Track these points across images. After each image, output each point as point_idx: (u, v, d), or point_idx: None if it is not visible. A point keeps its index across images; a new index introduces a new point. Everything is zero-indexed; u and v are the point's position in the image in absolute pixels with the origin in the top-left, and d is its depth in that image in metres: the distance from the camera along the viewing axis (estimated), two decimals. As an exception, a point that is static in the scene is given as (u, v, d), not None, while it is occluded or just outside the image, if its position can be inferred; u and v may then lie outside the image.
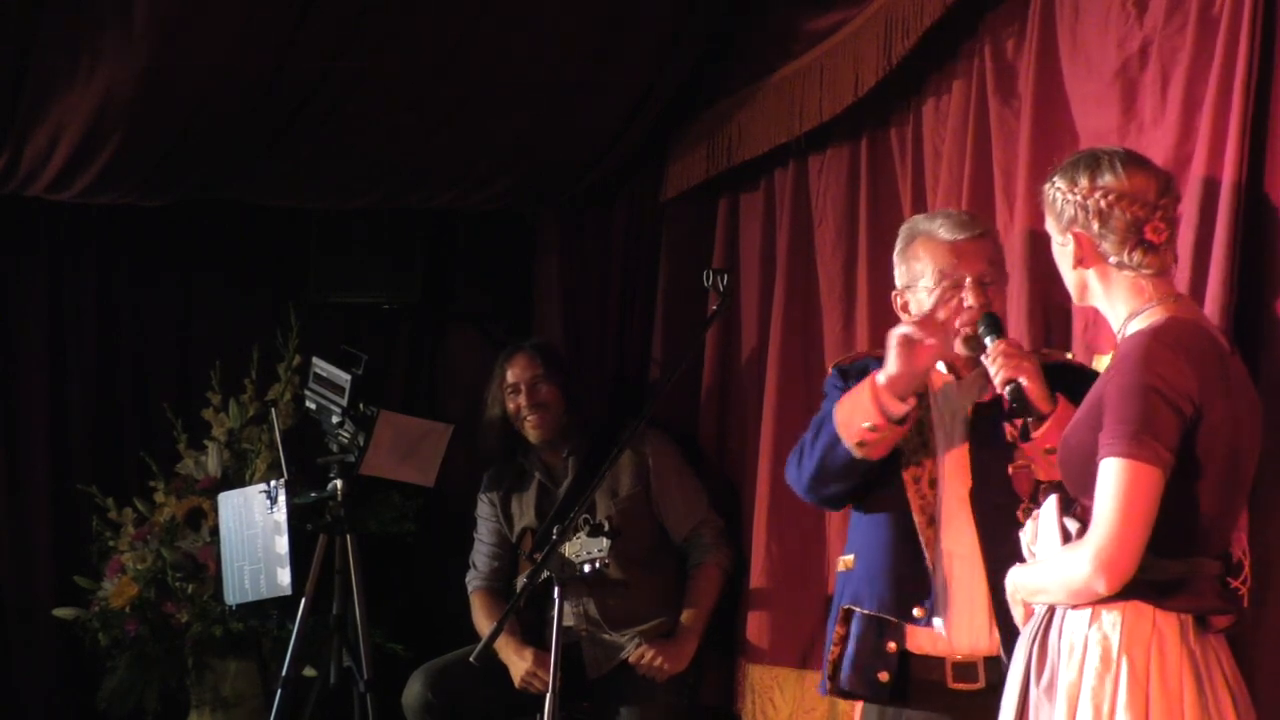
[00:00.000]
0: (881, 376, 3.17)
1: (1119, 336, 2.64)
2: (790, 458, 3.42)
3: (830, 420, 3.26)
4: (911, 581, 3.21)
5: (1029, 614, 2.71)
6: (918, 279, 3.25)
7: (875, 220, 4.20)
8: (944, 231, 3.23)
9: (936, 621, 3.18)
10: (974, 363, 3.25)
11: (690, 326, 4.98)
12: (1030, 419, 2.97)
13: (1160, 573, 2.52)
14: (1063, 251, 2.69)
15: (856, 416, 3.19)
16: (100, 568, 5.25)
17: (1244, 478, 2.59)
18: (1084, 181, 2.64)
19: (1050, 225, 2.70)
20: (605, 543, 3.67)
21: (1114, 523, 2.49)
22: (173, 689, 5.23)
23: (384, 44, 4.42)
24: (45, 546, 5.42)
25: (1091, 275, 2.67)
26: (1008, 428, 3.05)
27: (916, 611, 3.19)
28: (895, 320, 3.96)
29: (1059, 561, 2.58)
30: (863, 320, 4.18)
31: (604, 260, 5.44)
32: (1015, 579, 2.73)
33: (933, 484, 3.22)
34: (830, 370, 3.53)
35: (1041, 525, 2.67)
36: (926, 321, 3.19)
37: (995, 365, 3.00)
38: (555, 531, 3.69)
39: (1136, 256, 2.61)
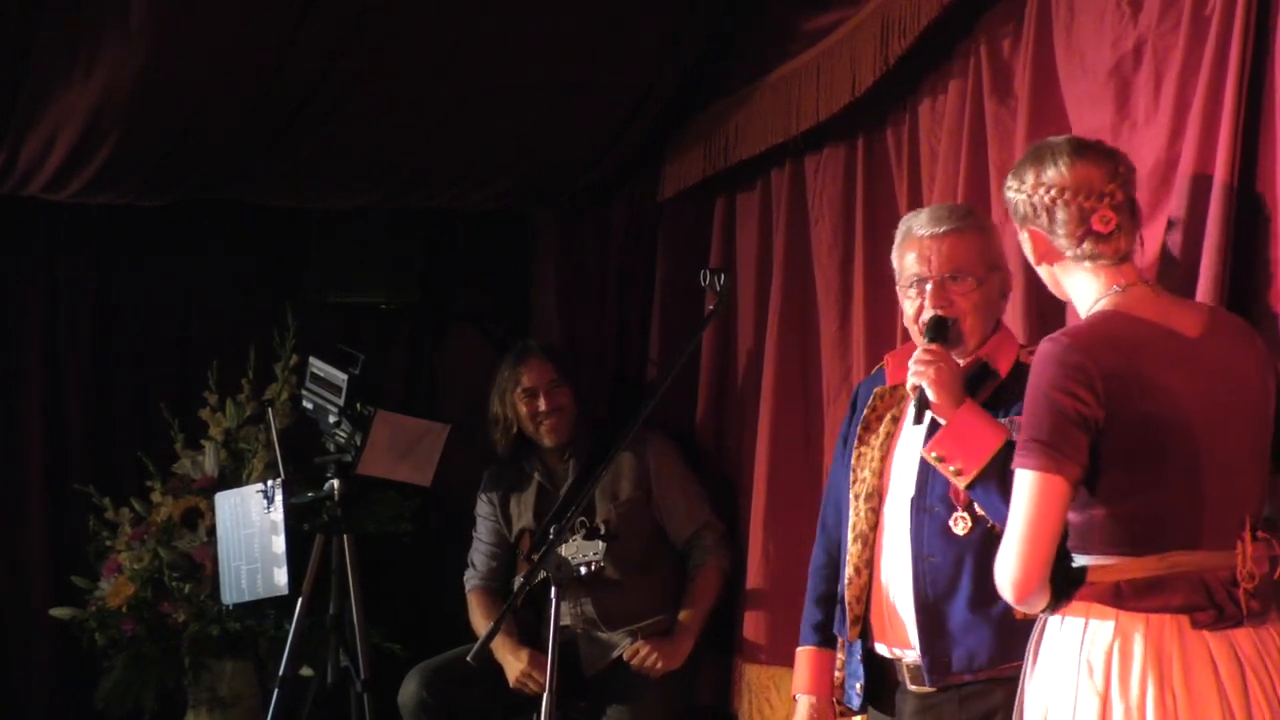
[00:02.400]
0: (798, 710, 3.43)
1: None
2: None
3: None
4: (844, 596, 3.25)
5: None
6: (900, 276, 3.25)
7: (872, 220, 4.20)
8: (917, 228, 3.21)
9: (865, 639, 3.22)
10: None
11: (688, 326, 4.98)
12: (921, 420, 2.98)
13: (1129, 572, 2.50)
14: (1026, 251, 2.71)
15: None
16: (97, 567, 5.25)
17: (1228, 463, 2.54)
18: (1030, 178, 2.65)
19: (1016, 226, 2.72)
20: (601, 546, 3.68)
21: (1012, 534, 2.51)
22: (170, 689, 5.23)
23: (383, 44, 4.42)
24: (42, 546, 5.42)
25: (1055, 270, 2.68)
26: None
27: (847, 629, 3.24)
28: (892, 319, 3.99)
29: None
30: (859, 320, 4.18)
31: (602, 260, 5.44)
32: None
33: (869, 498, 3.21)
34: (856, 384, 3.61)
35: None
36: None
37: (910, 369, 3.00)
38: (552, 532, 3.69)
39: (1087, 247, 2.62)
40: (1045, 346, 2.54)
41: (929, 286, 3.15)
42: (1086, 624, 2.51)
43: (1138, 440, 2.50)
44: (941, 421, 2.94)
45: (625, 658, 4.61)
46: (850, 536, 3.22)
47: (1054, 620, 2.56)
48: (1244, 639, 2.50)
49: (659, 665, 4.58)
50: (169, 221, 5.38)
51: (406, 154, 4.96)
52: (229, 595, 4.82)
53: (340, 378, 4.74)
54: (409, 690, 4.66)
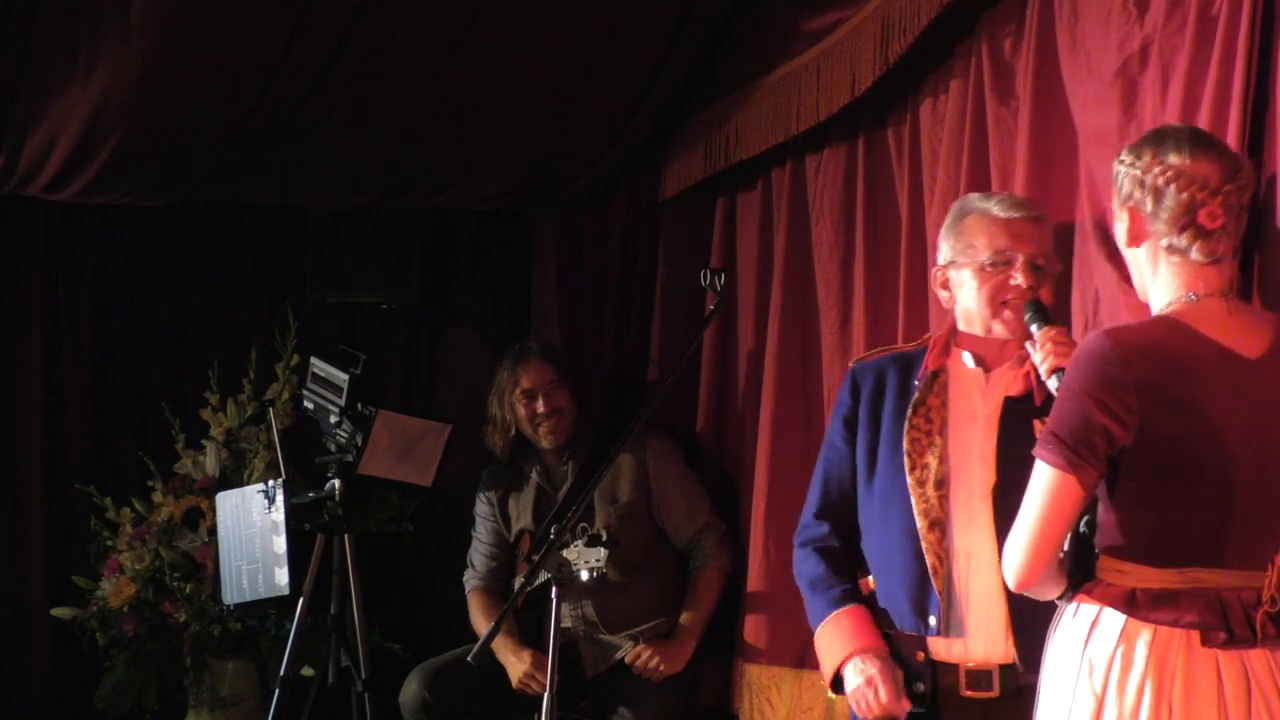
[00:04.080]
0: (848, 681, 3.27)
1: None
2: (795, 541, 3.51)
3: (811, 608, 3.41)
4: (919, 590, 3.17)
5: None
6: (967, 254, 3.20)
7: (872, 220, 4.20)
8: (999, 209, 3.19)
9: (949, 633, 3.14)
10: (1003, 356, 3.22)
11: (688, 326, 4.98)
12: None
13: (1147, 581, 2.49)
14: (1119, 230, 2.63)
15: (823, 654, 3.37)
16: (98, 567, 5.26)
17: (1270, 487, 2.49)
18: (1147, 156, 2.56)
19: (1114, 202, 2.65)
20: (604, 553, 3.67)
21: (1023, 523, 2.51)
22: (171, 688, 5.24)
23: (382, 43, 4.42)
24: (43, 546, 5.42)
25: (1140, 255, 2.60)
26: (1038, 424, 2.96)
27: (931, 621, 3.15)
28: (893, 319, 3.99)
29: None
30: (860, 319, 4.18)
31: (602, 260, 5.44)
32: None
33: (939, 485, 3.15)
34: (851, 364, 3.51)
35: None
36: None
37: (1043, 353, 2.92)
38: (553, 533, 3.69)
39: (1185, 239, 2.53)
40: (1092, 342, 2.50)
41: (1019, 263, 3.13)
42: (1096, 620, 2.50)
43: (1166, 456, 2.47)
44: None
45: (627, 661, 4.61)
46: (923, 524, 3.14)
47: (1069, 609, 2.56)
48: (1258, 660, 2.47)
49: (661, 668, 4.58)
50: (169, 221, 5.38)
51: (405, 154, 4.97)
52: (230, 595, 4.81)
53: (341, 378, 4.74)
54: (410, 690, 4.66)
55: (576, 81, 4.75)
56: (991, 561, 3.05)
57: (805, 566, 3.42)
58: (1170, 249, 2.56)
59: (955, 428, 3.19)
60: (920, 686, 3.17)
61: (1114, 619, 2.48)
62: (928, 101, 3.97)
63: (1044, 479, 2.50)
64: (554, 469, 4.87)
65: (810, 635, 4.34)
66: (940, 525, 3.14)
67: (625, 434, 3.83)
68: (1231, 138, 2.86)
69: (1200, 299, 2.54)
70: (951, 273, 3.26)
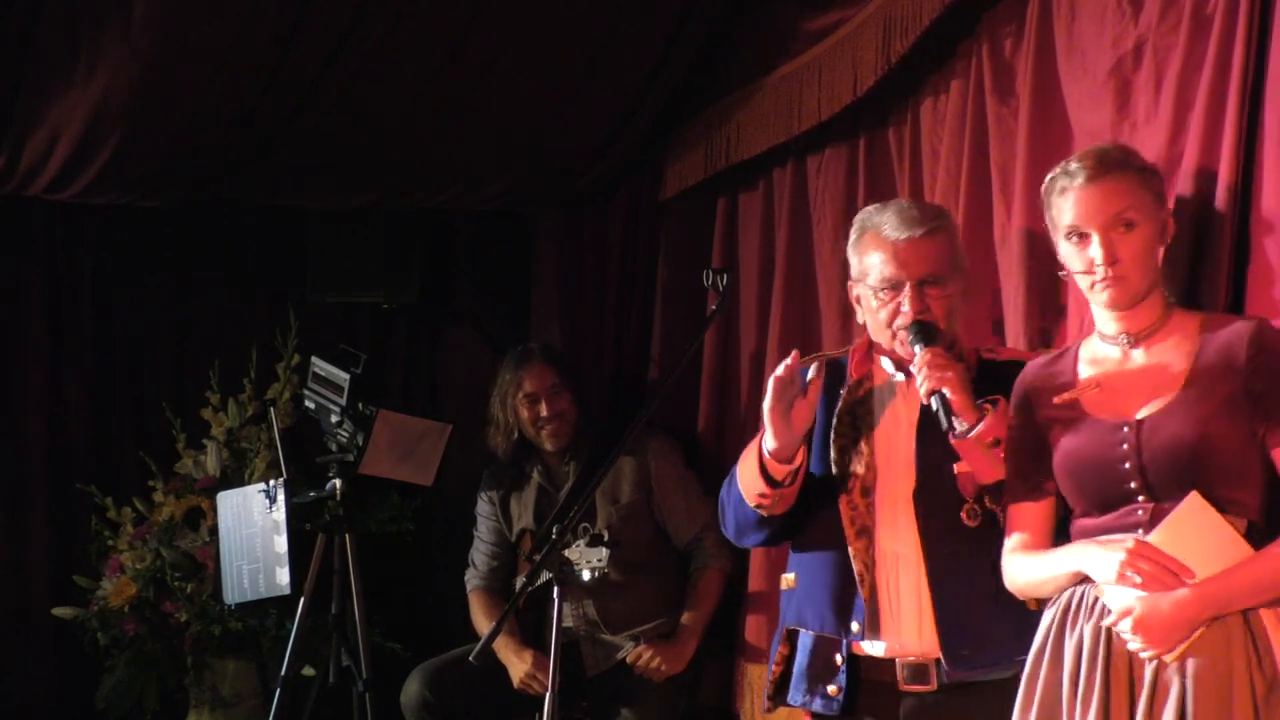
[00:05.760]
0: (765, 446, 3.18)
1: (1151, 331, 2.65)
2: (719, 505, 3.43)
3: (734, 479, 3.30)
4: (845, 596, 3.18)
5: (1183, 636, 2.57)
6: (865, 276, 3.21)
7: (873, 220, 4.20)
8: (889, 229, 3.17)
9: (874, 636, 3.14)
10: None
11: (689, 326, 4.98)
12: (954, 427, 2.94)
13: None
14: (1159, 233, 2.69)
15: (750, 483, 3.23)
16: (99, 567, 5.26)
17: None
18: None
19: (1153, 209, 2.68)
20: (605, 552, 3.67)
21: None
22: (171, 688, 5.24)
23: (382, 43, 4.42)
24: (44, 546, 5.43)
25: (1158, 255, 2.68)
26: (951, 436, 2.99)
27: (854, 626, 3.15)
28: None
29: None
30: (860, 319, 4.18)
31: (602, 260, 5.44)
32: (1208, 594, 2.54)
33: (865, 492, 3.16)
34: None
35: (1191, 529, 2.56)
36: (778, 387, 3.16)
37: (920, 375, 2.98)
38: (555, 533, 3.69)
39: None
40: (1269, 324, 2.59)
41: (906, 290, 3.12)
42: None
43: None
44: (959, 425, 2.92)
45: (629, 661, 4.61)
46: (850, 532, 3.15)
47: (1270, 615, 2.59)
48: None
49: (662, 668, 4.59)
50: (169, 221, 5.38)
51: (405, 154, 4.97)
52: (231, 595, 4.82)
53: (342, 377, 4.74)
54: (411, 690, 4.66)
55: (576, 81, 4.75)
56: (918, 561, 3.09)
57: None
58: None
59: (881, 433, 3.20)
60: (832, 689, 3.18)
61: None
62: (928, 101, 3.97)
63: None
64: (555, 469, 4.87)
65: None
66: (868, 532, 3.15)
67: (626, 434, 3.82)
68: (1226, 136, 2.86)
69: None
70: (856, 290, 3.27)
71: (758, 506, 3.24)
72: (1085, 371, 2.74)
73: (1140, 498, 2.61)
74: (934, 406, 2.95)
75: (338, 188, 5.22)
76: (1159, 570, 2.55)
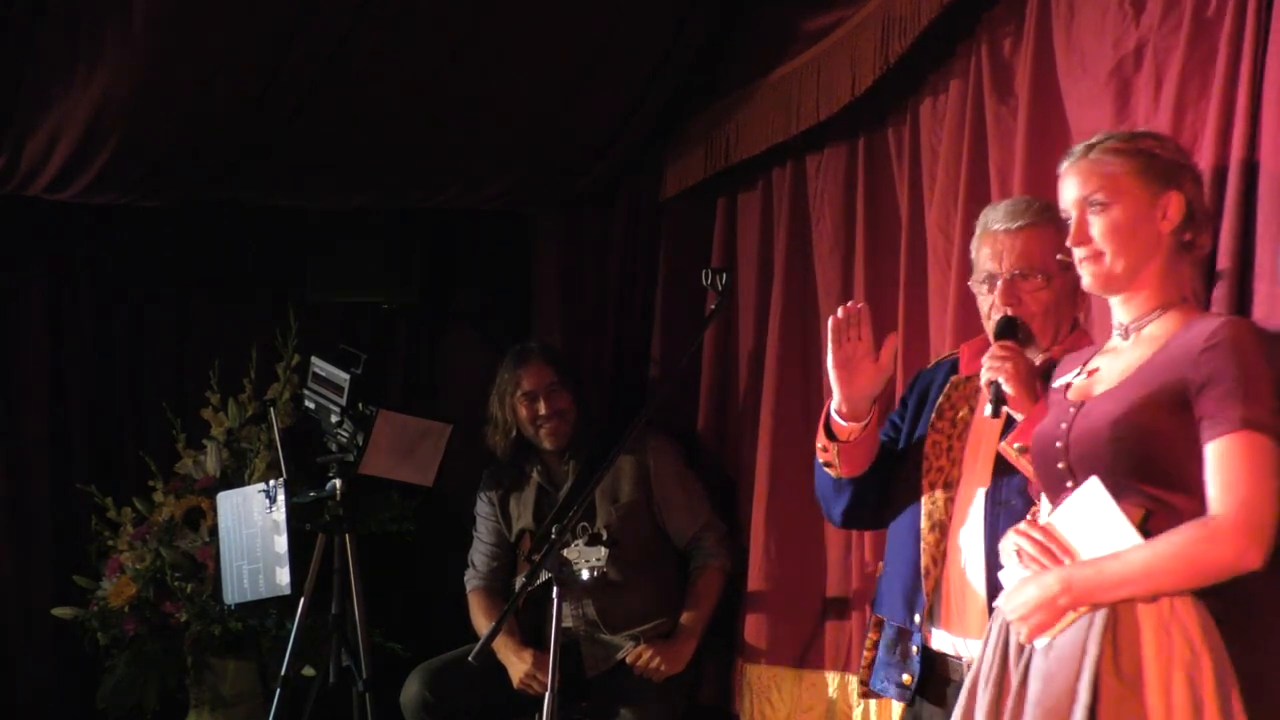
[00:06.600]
0: (833, 402, 3.27)
1: (1144, 321, 2.63)
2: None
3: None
4: (911, 587, 3.22)
5: (1049, 620, 2.55)
6: (975, 271, 3.25)
7: (872, 219, 4.21)
8: (992, 222, 3.20)
9: (937, 629, 3.17)
10: None
11: (689, 326, 4.99)
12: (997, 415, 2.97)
13: None
14: (1147, 213, 2.62)
15: (818, 438, 3.32)
16: (99, 567, 5.26)
17: None
18: (1175, 148, 2.64)
19: (1133, 187, 2.63)
20: (604, 551, 3.68)
21: (1260, 493, 2.42)
22: (172, 688, 5.23)
23: (382, 44, 4.43)
24: (44, 546, 5.42)
25: (1154, 240, 2.62)
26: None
27: (916, 618, 3.20)
28: (892, 318, 4.00)
29: (1177, 543, 2.43)
30: (859, 319, 4.18)
31: (603, 260, 5.44)
32: (1076, 578, 2.52)
33: (948, 486, 3.19)
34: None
35: (1087, 514, 2.54)
36: (835, 331, 3.26)
37: (984, 365, 2.99)
38: (554, 532, 3.69)
39: (1205, 239, 2.64)
40: (1242, 322, 2.55)
41: (999, 284, 3.14)
42: (1195, 611, 2.47)
43: None
44: (1018, 416, 2.92)
45: (628, 661, 4.61)
46: (925, 525, 3.19)
47: (1148, 609, 2.50)
48: None
49: (662, 668, 4.58)
50: (169, 221, 5.38)
51: (405, 154, 4.97)
52: (231, 595, 4.82)
53: (342, 377, 4.74)
54: (411, 690, 4.66)
55: (576, 81, 4.76)
56: (981, 561, 3.09)
57: None
58: (1189, 244, 2.62)
59: (973, 431, 3.22)
60: (905, 678, 3.23)
61: (1202, 609, 2.47)
62: (928, 101, 3.97)
63: (1263, 448, 2.43)
64: (555, 469, 4.87)
65: (810, 636, 4.38)
66: (941, 527, 3.18)
67: (626, 434, 3.83)
68: (1225, 140, 2.86)
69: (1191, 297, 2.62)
70: (971, 286, 3.30)
71: (824, 464, 3.33)
72: (1094, 359, 2.73)
73: (1068, 481, 2.60)
74: (988, 396, 2.94)
75: (338, 188, 5.22)
76: (1042, 551, 2.55)
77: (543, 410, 4.79)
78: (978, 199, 3.64)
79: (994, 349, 3.00)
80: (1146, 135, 2.71)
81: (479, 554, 4.93)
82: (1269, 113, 2.79)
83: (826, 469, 3.35)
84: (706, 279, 3.89)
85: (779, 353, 4.54)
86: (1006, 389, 2.93)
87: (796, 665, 4.41)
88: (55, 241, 5.48)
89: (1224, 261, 2.85)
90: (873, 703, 3.93)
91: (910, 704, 3.25)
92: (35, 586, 5.39)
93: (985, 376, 2.97)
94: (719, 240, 4.99)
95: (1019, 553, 2.60)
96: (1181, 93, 2.99)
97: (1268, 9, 2.84)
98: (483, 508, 4.94)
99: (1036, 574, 2.55)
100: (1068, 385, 2.72)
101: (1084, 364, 2.74)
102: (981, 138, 3.69)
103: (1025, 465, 2.86)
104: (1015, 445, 2.89)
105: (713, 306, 3.92)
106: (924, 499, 3.22)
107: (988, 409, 2.96)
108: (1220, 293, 2.86)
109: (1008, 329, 3.09)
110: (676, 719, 4.66)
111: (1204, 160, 2.91)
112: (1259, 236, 2.80)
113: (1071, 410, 2.64)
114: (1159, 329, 2.62)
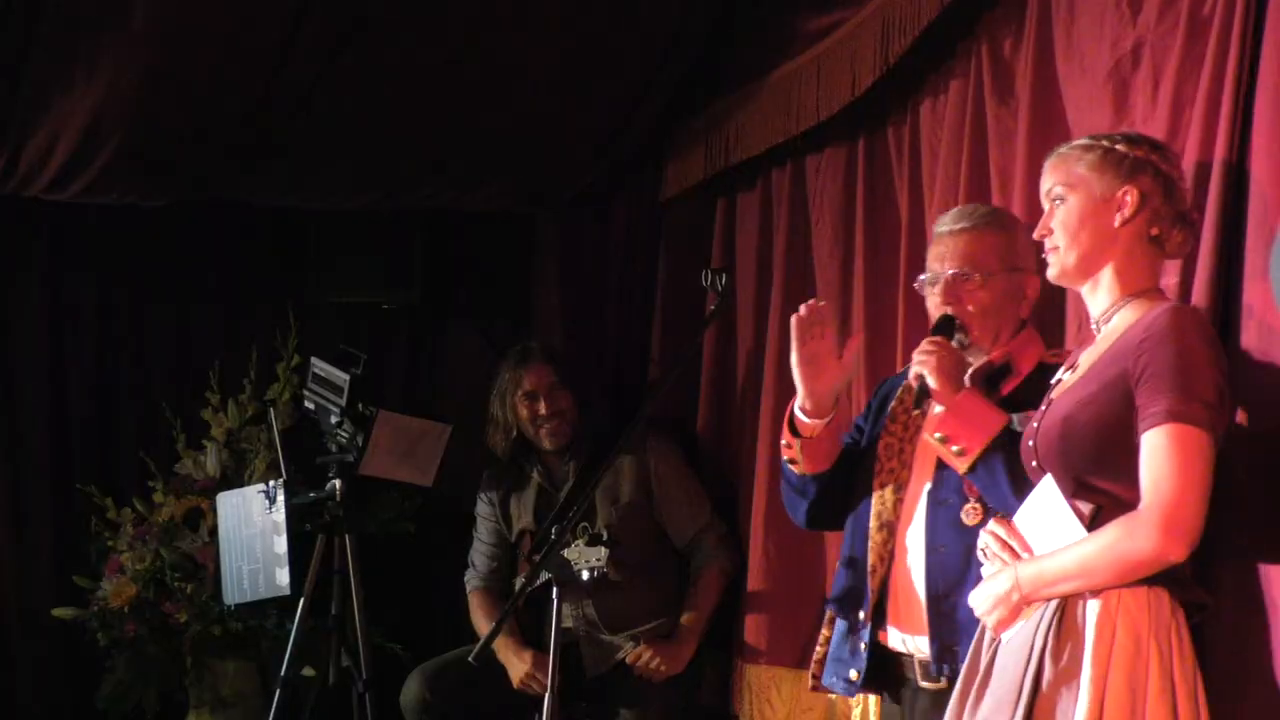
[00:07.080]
0: (796, 400, 3.32)
1: (1109, 314, 2.64)
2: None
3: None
4: (860, 586, 3.26)
5: (1009, 616, 2.60)
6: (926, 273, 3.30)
7: (872, 220, 4.20)
8: (939, 226, 3.28)
9: (890, 627, 3.22)
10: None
11: (689, 326, 4.99)
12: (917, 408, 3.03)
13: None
14: (1099, 206, 2.64)
15: (782, 434, 3.37)
16: (99, 567, 5.26)
17: None
18: (1147, 148, 2.66)
19: (1088, 180, 2.66)
20: (604, 552, 3.68)
21: (1182, 487, 2.43)
22: (171, 689, 5.24)
23: (383, 44, 4.43)
24: (44, 546, 5.42)
25: (1120, 235, 2.64)
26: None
27: (861, 615, 3.24)
28: (893, 319, 3.99)
29: (1106, 539, 2.46)
30: (859, 319, 4.18)
31: (603, 260, 5.44)
32: (1022, 575, 2.56)
33: (898, 487, 3.24)
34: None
35: (1042, 511, 2.57)
36: (797, 328, 3.28)
37: (913, 359, 3.04)
38: (554, 532, 3.69)
39: (1179, 234, 2.65)
40: (1184, 310, 2.56)
41: (939, 283, 3.20)
42: (1148, 604, 2.50)
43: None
44: (939, 409, 2.99)
45: (628, 661, 4.61)
46: (874, 525, 3.24)
47: (1095, 603, 2.52)
48: None
49: (662, 669, 4.59)
50: (169, 221, 5.38)
51: (405, 154, 4.98)
52: (231, 595, 4.82)
53: (342, 378, 4.74)
54: (411, 691, 4.66)
55: (576, 81, 4.75)
56: (921, 557, 3.15)
57: None
58: (1157, 239, 2.64)
59: (922, 432, 3.24)
60: (853, 674, 3.27)
61: (1161, 601, 2.50)
62: (928, 101, 3.97)
63: (1198, 445, 2.44)
64: (555, 469, 4.87)
65: (809, 636, 4.36)
66: (890, 527, 3.23)
67: (626, 434, 3.83)
68: (1221, 137, 2.86)
69: (1159, 290, 2.65)
70: (917, 288, 3.35)
71: (788, 460, 3.37)
72: (1080, 356, 2.75)
73: (1040, 478, 2.64)
74: (914, 389, 3.02)
75: (338, 188, 5.22)
76: (1003, 547, 2.62)
77: (543, 410, 4.79)
78: (978, 199, 3.63)
79: (923, 344, 3.05)
80: (1123, 136, 2.73)
81: (479, 554, 4.93)
82: (1263, 110, 2.79)
83: (790, 465, 3.40)
84: (706, 279, 3.89)
85: (778, 353, 4.53)
86: (930, 382, 2.97)
87: (796, 665, 4.41)
88: (55, 242, 5.47)
89: (1212, 260, 2.86)
90: (872, 702, 3.93)
91: (853, 696, 3.36)
92: (35, 587, 5.39)
93: (912, 370, 3.02)
94: (719, 240, 4.99)
95: (984, 550, 2.66)
96: (1178, 93, 2.99)
97: (1261, 8, 2.84)
98: (483, 508, 4.94)
99: (998, 570, 2.61)
100: (1058, 382, 2.73)
101: (1074, 361, 2.75)
102: (982, 138, 3.69)
103: (948, 454, 2.92)
104: (936, 435, 2.94)
105: (713, 307, 3.92)
106: (874, 498, 3.27)
107: (911, 403, 3.03)
108: (1207, 291, 2.86)
109: (943, 326, 3.14)
110: (676, 719, 4.66)
111: (1199, 157, 2.91)
112: (1248, 235, 2.80)
113: (1043, 408, 2.68)
114: (1120, 321, 2.64)
